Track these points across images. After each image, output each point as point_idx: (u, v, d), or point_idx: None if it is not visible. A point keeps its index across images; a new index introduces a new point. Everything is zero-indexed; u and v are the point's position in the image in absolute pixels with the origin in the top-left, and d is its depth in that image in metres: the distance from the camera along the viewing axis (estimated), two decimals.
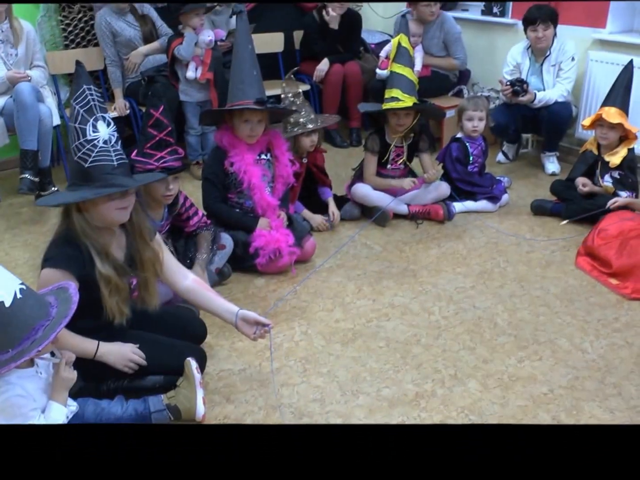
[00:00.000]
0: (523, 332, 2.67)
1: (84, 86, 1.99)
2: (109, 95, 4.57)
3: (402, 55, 3.56)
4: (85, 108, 1.98)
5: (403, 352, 2.55)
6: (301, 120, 3.38)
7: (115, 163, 2.01)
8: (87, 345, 2.15)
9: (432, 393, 2.32)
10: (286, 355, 2.54)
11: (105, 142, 1.99)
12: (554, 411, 2.21)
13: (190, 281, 2.35)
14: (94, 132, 1.97)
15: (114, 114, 4.25)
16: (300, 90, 3.47)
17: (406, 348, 2.58)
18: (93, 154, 1.97)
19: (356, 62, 5.04)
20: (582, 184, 3.57)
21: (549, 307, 2.85)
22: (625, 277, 2.96)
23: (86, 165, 1.98)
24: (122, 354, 2.20)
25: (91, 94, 1.99)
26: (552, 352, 2.54)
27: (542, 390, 2.33)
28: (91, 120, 1.97)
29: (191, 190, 3.68)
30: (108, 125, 2.02)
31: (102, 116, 2.01)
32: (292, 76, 3.52)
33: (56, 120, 3.84)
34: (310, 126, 3.38)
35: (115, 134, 2.04)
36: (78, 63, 2.05)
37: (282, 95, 3.47)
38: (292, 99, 3.41)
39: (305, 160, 3.51)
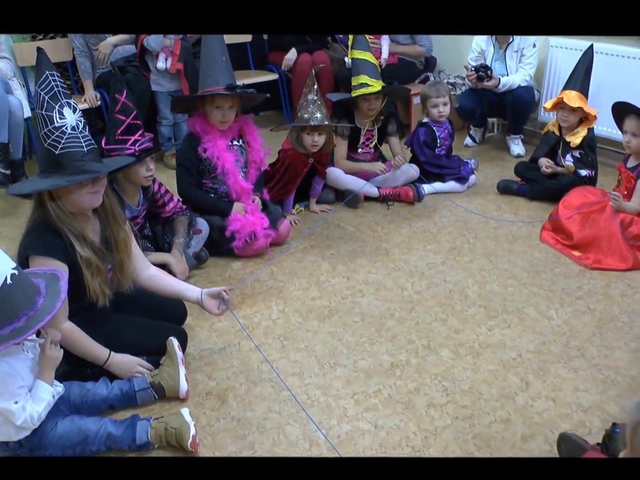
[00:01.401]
0: (492, 303, 2.78)
1: (47, 72, 2.00)
2: (78, 88, 4.57)
3: (360, 42, 3.66)
4: (49, 95, 1.98)
5: (378, 325, 2.64)
6: (305, 116, 3.36)
7: (85, 149, 2.02)
8: (99, 352, 2.19)
9: (407, 362, 2.40)
10: (264, 333, 2.61)
11: (73, 128, 2.00)
12: (523, 374, 2.32)
13: (153, 269, 2.42)
14: (60, 118, 1.98)
15: (85, 105, 4.26)
16: (316, 87, 3.37)
17: (381, 322, 2.66)
18: (62, 141, 1.99)
19: (324, 51, 5.11)
20: (545, 165, 3.70)
21: (516, 279, 2.96)
22: (587, 249, 3.10)
23: (56, 153, 1.99)
24: (130, 366, 2.24)
25: (54, 80, 2.00)
26: (520, 320, 2.65)
27: (511, 355, 2.43)
28: (56, 106, 1.98)
29: (165, 180, 3.67)
30: (74, 111, 2.03)
31: (67, 102, 2.01)
32: (312, 72, 3.43)
33: (27, 112, 3.83)
34: (311, 123, 3.32)
35: (82, 119, 2.05)
36: (39, 50, 2.05)
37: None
38: (307, 93, 3.37)
39: (311, 160, 3.48)
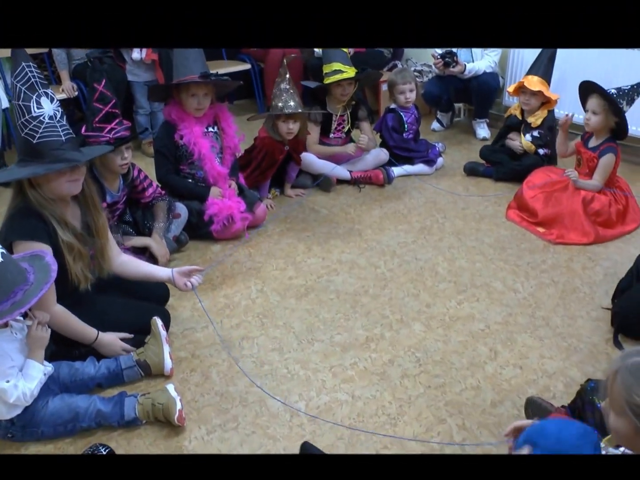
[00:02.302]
0: (461, 278, 2.90)
1: (23, 63, 2.02)
2: (55, 78, 4.57)
3: None
4: (26, 85, 2.01)
5: (352, 302, 2.74)
6: (279, 104, 3.41)
7: (63, 138, 2.06)
8: (88, 332, 2.25)
9: (381, 336, 2.51)
10: (244, 312, 2.69)
11: (51, 117, 2.04)
12: (491, 344, 2.45)
13: (124, 256, 2.48)
14: (38, 108, 2.01)
15: (62, 95, 4.27)
16: (288, 76, 3.42)
17: (355, 298, 2.77)
18: (40, 130, 2.02)
19: None
20: (511, 137, 3.84)
21: (483, 255, 3.09)
22: (551, 225, 3.23)
23: (34, 142, 2.02)
24: (115, 344, 2.31)
25: (31, 71, 2.03)
26: (487, 293, 2.78)
27: (479, 326, 2.55)
28: (34, 97, 2.01)
29: (144, 167, 3.67)
30: (52, 101, 2.06)
31: (45, 92, 2.04)
32: (284, 61, 3.49)
33: (5, 103, 3.83)
34: (286, 111, 3.39)
35: (60, 109, 2.09)
36: None
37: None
38: (280, 83, 3.42)
39: (287, 148, 3.56)
